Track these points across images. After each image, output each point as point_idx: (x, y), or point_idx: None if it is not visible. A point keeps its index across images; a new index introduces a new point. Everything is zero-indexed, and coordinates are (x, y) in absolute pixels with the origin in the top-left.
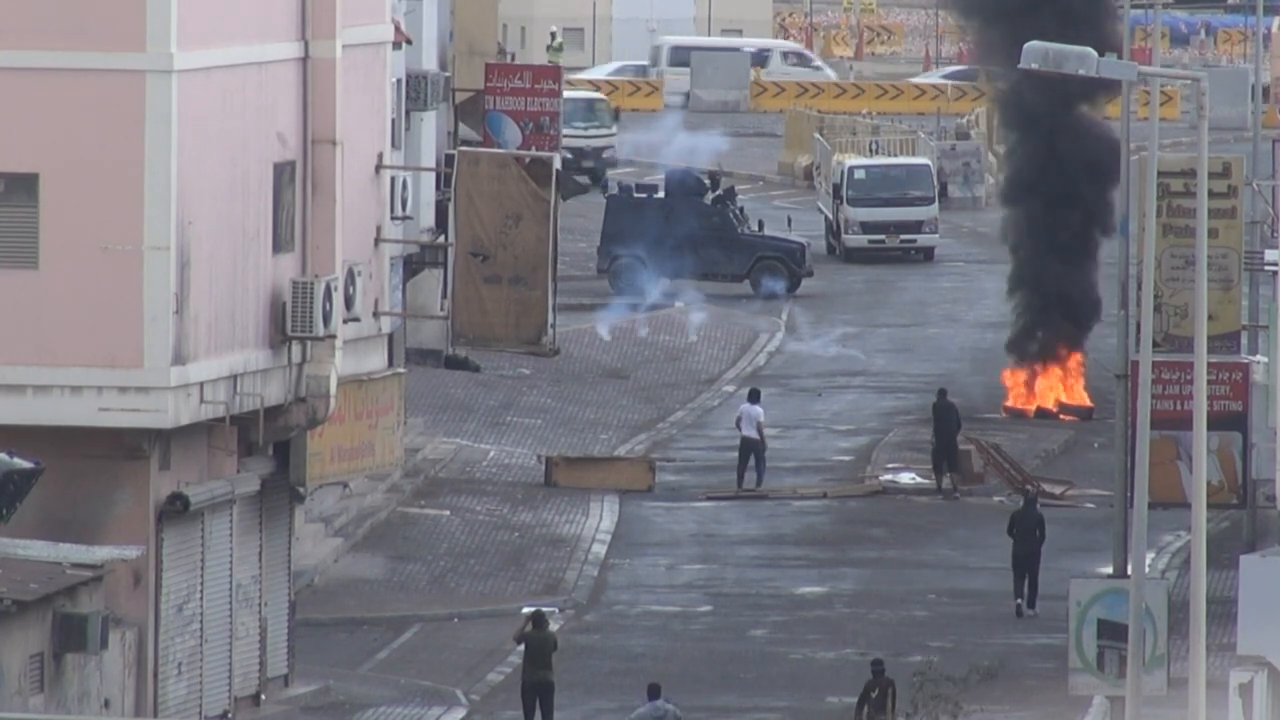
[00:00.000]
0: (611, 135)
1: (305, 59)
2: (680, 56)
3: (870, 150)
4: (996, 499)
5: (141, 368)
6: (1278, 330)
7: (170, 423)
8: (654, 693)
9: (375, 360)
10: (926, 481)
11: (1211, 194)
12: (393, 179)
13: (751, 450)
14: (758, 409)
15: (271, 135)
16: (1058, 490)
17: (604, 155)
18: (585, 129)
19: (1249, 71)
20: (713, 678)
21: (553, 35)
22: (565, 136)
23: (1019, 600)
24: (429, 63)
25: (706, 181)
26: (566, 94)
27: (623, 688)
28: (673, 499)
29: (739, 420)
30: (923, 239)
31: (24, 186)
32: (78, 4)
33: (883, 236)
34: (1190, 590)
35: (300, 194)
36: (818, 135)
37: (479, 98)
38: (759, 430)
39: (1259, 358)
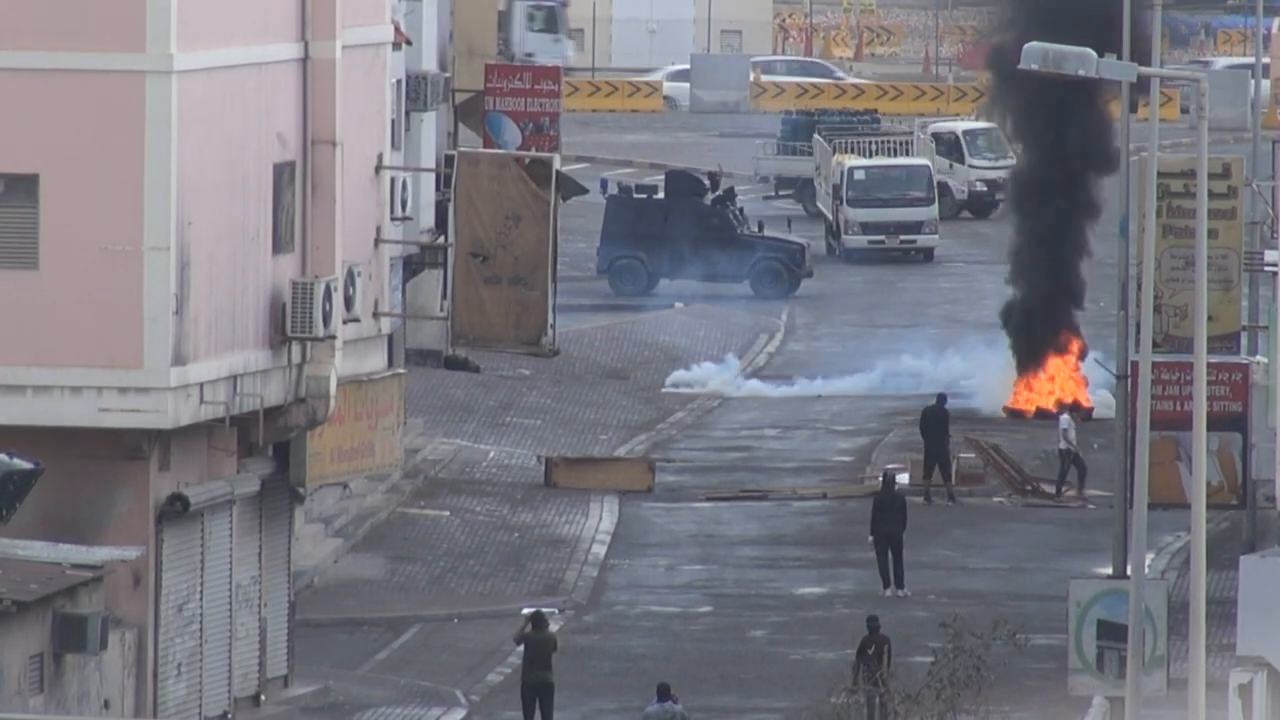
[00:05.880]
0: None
1: (305, 59)
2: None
3: (870, 151)
4: (996, 499)
5: (141, 368)
6: (1278, 331)
7: (170, 423)
8: (663, 693)
9: (375, 361)
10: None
11: (1211, 194)
12: (392, 179)
13: (1066, 460)
14: (1064, 417)
15: (271, 135)
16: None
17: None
18: (995, 161)
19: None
20: (713, 678)
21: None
22: (974, 167)
23: (888, 588)
24: (429, 63)
25: (706, 182)
26: (967, 125)
27: (623, 688)
28: (673, 500)
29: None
30: (922, 239)
31: (24, 186)
32: (77, 4)
33: (882, 237)
34: (1190, 590)
35: (300, 194)
36: (818, 136)
37: (479, 98)
38: (1064, 438)
39: (1259, 358)
